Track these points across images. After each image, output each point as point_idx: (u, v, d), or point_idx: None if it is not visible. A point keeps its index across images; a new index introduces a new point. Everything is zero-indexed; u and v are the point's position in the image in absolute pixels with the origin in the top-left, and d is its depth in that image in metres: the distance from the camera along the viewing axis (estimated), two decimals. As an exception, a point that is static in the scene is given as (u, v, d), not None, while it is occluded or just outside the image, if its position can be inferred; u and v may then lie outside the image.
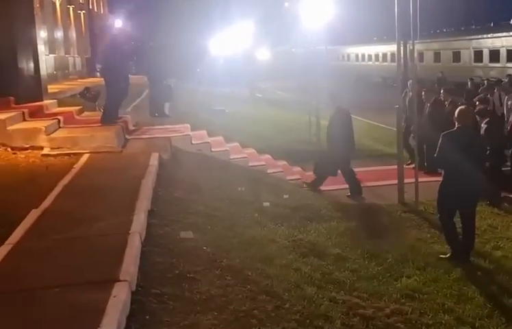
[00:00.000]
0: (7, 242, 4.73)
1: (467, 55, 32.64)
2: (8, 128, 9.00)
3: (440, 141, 7.21)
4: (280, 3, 54.21)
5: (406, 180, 9.99)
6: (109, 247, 4.50)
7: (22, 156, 8.42)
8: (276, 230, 6.95)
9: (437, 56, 36.37)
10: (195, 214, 6.27)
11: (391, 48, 40.34)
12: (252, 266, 5.10)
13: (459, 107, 7.61)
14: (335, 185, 11.49)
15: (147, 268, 4.37)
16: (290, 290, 4.88)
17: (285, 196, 9.20)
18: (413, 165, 10.39)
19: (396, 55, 10.90)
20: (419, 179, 9.87)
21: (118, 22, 13.11)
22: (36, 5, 11.72)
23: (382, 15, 35.08)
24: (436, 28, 41.40)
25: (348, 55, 55.47)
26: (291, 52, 57.79)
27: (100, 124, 10.25)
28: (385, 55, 44.74)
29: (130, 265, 4.09)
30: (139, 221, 5.10)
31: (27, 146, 8.79)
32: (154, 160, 7.96)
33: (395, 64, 11.46)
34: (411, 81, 12.54)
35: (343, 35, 51.66)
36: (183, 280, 4.27)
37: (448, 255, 7.20)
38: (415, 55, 15.78)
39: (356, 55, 53.06)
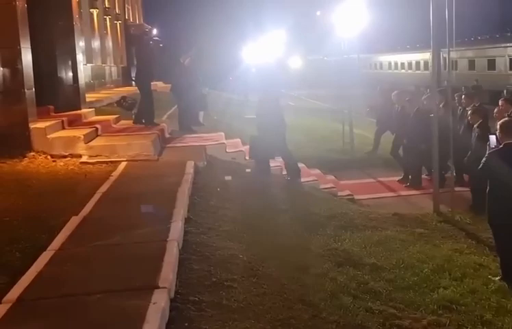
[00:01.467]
0: (49, 248, 4.86)
1: (502, 63, 32.10)
2: (48, 136, 9.22)
3: (487, 161, 6.85)
4: (312, 11, 54.21)
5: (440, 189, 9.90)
6: (147, 254, 4.58)
7: (62, 164, 8.62)
8: (311, 239, 6.96)
9: (471, 64, 35.85)
10: (231, 222, 6.33)
11: (424, 56, 39.91)
12: (288, 274, 5.13)
13: (504, 120, 7.16)
14: (369, 194, 11.47)
15: (185, 275, 4.43)
16: (326, 299, 4.88)
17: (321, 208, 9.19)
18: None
19: (432, 63, 10.81)
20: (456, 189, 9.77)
21: (151, 32, 13.42)
22: (75, 16, 11.98)
23: (415, 23, 34.77)
24: (470, 35, 40.81)
25: (381, 63, 55.08)
26: (324, 60, 57.71)
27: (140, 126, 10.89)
28: (418, 63, 44.32)
29: (169, 272, 4.16)
30: (176, 229, 5.18)
31: (66, 154, 9.00)
32: (190, 168, 8.06)
33: (428, 72, 11.39)
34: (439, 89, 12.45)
35: (375, 44, 51.35)
36: (221, 288, 4.32)
37: (498, 278, 6.77)
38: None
39: (389, 63, 52.65)
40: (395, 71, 50.74)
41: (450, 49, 11.80)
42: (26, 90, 9.29)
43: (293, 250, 6.05)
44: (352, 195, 11.39)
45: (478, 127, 9.93)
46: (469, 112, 10.61)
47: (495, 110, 10.51)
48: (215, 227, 6.00)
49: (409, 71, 47.04)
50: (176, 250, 4.70)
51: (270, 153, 10.51)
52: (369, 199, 11.07)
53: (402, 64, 49.05)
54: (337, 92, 22.20)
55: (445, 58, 13.26)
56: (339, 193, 11.22)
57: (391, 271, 6.50)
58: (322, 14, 53.73)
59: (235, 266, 4.90)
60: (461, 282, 6.48)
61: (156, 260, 4.35)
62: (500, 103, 10.58)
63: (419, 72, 43.27)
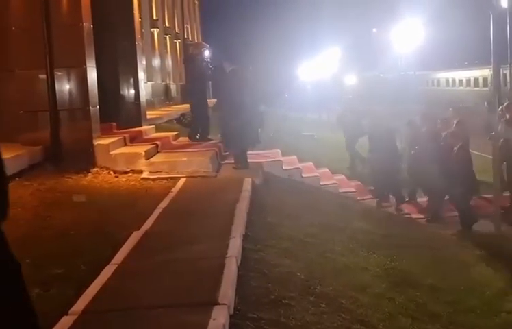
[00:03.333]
0: (112, 262, 5.02)
1: None
2: (111, 152, 9.52)
3: None
4: (368, 29, 53.89)
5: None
6: (207, 270, 4.66)
7: (124, 179, 8.88)
8: (368, 258, 6.89)
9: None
10: (288, 240, 6.35)
11: (483, 72, 38.89)
12: (345, 294, 5.11)
13: None
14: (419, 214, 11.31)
15: (244, 292, 4.48)
16: (385, 320, 4.84)
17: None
18: None
19: (492, 80, 10.57)
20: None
21: (204, 53, 13.85)
22: (137, 36, 12.37)
23: (473, 39, 33.99)
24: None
25: (438, 80, 53.93)
26: (379, 77, 57.04)
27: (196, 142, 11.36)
28: (476, 79, 43.22)
29: (228, 289, 4.22)
30: (235, 246, 5.25)
31: (128, 170, 9.26)
32: (247, 185, 8.15)
33: (487, 89, 11.17)
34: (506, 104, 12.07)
35: (432, 60, 50.40)
36: (279, 306, 4.35)
37: None
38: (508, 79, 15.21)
39: (446, 80, 51.46)
40: (453, 88, 49.56)
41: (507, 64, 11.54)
42: (91, 108, 9.65)
43: (350, 269, 6.01)
44: (409, 214, 11.28)
45: None
46: None
47: None
48: (273, 244, 6.04)
49: (467, 88, 45.86)
50: (235, 266, 4.76)
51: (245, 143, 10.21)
52: (422, 217, 10.95)
53: (460, 80, 47.89)
54: (394, 109, 21.91)
55: (505, 75, 12.93)
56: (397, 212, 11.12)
57: (451, 292, 6.37)
58: (378, 31, 53.34)
59: (293, 284, 4.93)
60: (525, 307, 6.28)
61: (215, 276, 4.43)
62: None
63: (477, 89, 42.17)
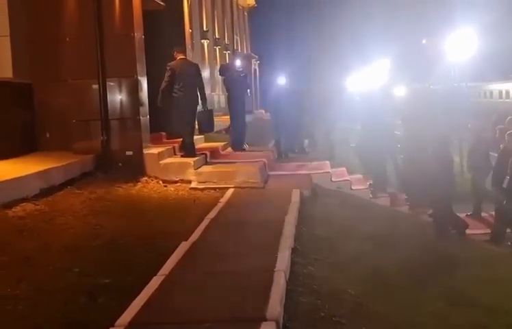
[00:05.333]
0: (159, 273, 4.96)
1: None
2: (160, 162, 9.56)
3: None
4: (417, 40, 53.00)
5: None
6: (255, 284, 4.55)
7: (172, 189, 8.89)
8: (422, 275, 6.63)
9: None
10: (337, 254, 6.19)
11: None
12: (399, 313, 4.91)
13: None
14: (477, 230, 10.88)
15: (292, 308, 4.35)
16: (441, 342, 4.61)
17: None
18: None
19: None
20: None
21: (235, 60, 14.18)
22: (188, 46, 12.45)
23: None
24: None
25: (491, 92, 52.33)
26: (429, 89, 55.87)
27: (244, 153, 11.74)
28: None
29: (276, 304, 4.09)
30: (283, 259, 5.13)
31: (177, 179, 9.28)
32: (296, 197, 8.02)
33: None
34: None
35: (485, 72, 48.98)
36: (329, 324, 4.20)
37: None
38: None
39: (500, 92, 49.85)
40: (507, 100, 47.96)
41: None
42: (141, 118, 9.73)
43: (403, 287, 5.79)
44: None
45: None
46: None
47: None
48: (322, 258, 5.89)
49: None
50: (283, 281, 4.64)
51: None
52: (477, 234, 10.53)
53: (515, 92, 46.32)
54: (445, 121, 21.39)
55: None
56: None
57: (510, 314, 6.06)
58: (427, 42, 52.39)
59: (344, 301, 4.76)
60: None
61: (263, 291, 4.31)
62: None
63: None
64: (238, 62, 13.97)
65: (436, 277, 6.64)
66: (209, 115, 10.54)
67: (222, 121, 18.17)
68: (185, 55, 10.76)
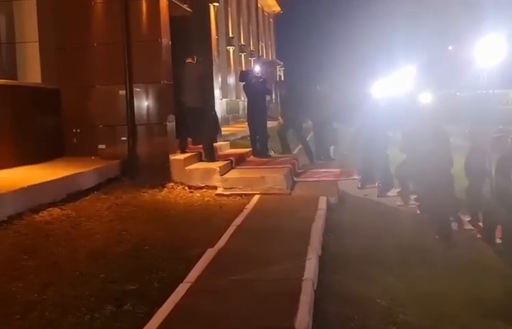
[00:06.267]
0: (186, 280, 4.91)
1: None
2: (186, 168, 9.54)
3: None
4: (443, 46, 52.40)
5: None
6: (282, 293, 4.48)
7: (198, 195, 8.86)
8: (452, 284, 6.47)
9: None
10: (366, 263, 6.07)
11: None
12: (429, 324, 4.78)
13: None
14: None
15: (321, 317, 4.27)
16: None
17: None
18: None
19: None
20: None
21: (254, 67, 14.18)
22: (214, 53, 12.46)
23: None
24: None
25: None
26: (456, 95, 55.17)
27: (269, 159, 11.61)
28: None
29: (305, 314, 4.01)
30: (311, 267, 5.04)
31: (203, 185, 9.25)
32: (322, 204, 7.93)
33: None
34: None
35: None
36: (359, 334, 4.10)
37: None
38: None
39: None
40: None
41: None
42: (167, 123, 9.74)
43: (433, 297, 5.64)
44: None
45: None
46: None
47: None
48: (350, 266, 5.79)
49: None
50: (311, 290, 4.55)
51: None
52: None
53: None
54: (471, 128, 21.02)
55: None
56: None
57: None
58: (454, 49, 51.76)
59: (373, 310, 4.66)
60: None
61: (291, 300, 4.24)
62: None
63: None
64: (257, 68, 13.89)
65: (467, 287, 6.47)
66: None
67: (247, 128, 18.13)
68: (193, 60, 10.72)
